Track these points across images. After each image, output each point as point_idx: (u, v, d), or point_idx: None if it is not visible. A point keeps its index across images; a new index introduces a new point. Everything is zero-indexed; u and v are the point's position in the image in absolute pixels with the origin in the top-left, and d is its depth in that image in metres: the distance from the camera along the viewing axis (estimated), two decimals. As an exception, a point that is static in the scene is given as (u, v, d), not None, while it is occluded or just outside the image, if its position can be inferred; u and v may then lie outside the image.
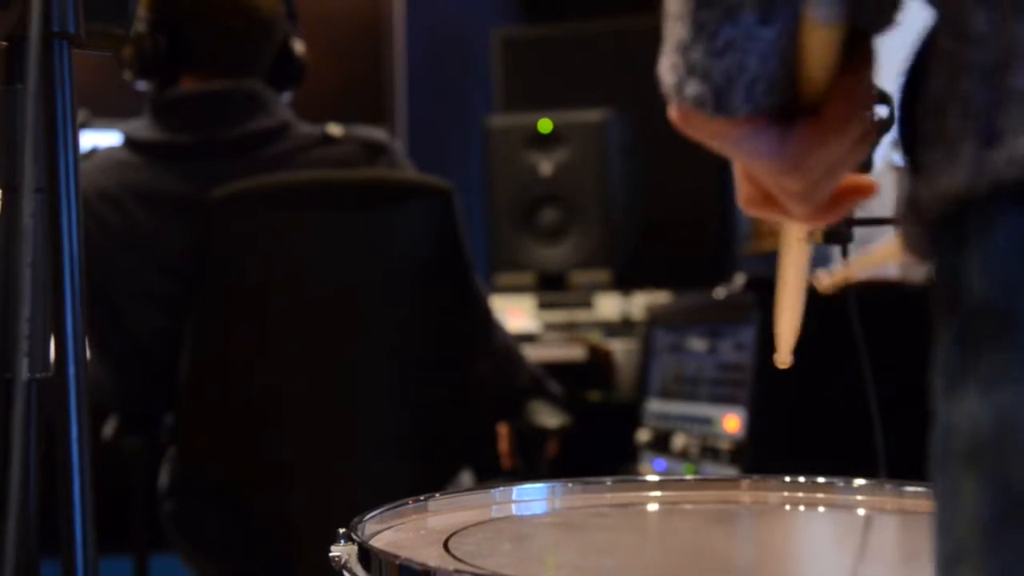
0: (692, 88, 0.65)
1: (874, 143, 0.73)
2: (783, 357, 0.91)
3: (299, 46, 2.04)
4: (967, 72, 0.54)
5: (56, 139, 0.89)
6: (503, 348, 2.11)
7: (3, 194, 0.89)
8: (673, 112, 0.68)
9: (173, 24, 1.93)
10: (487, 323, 2.07)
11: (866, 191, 0.74)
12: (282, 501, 1.89)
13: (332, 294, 1.89)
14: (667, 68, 0.67)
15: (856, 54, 0.68)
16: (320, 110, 2.22)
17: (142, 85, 1.99)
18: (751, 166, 0.71)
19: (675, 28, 0.65)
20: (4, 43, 0.90)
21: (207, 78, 1.95)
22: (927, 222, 0.57)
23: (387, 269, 1.92)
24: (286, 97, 2.05)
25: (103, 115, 2.40)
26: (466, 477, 2.10)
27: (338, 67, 3.87)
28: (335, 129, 1.98)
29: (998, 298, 0.52)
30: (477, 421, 2.09)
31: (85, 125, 2.12)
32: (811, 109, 0.68)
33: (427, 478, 1.93)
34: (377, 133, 2.04)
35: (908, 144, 0.62)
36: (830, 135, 0.68)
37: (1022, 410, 0.51)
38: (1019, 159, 0.51)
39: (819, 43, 0.66)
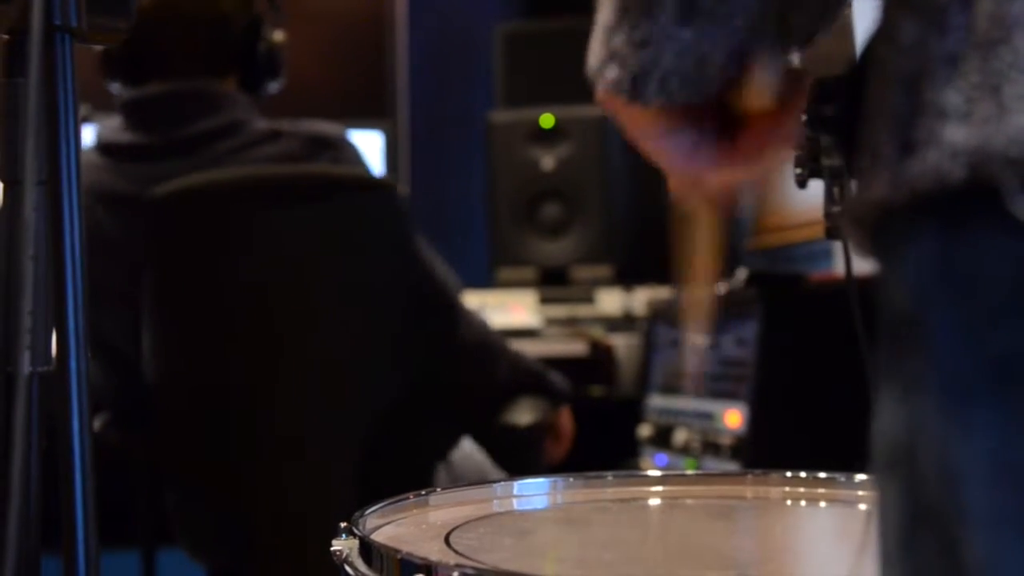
0: (611, 72, 0.68)
1: (783, 168, 0.74)
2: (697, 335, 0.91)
3: (278, 37, 1.99)
4: (893, 81, 0.54)
5: (58, 133, 0.89)
6: (474, 342, 2.04)
7: (4, 187, 0.89)
8: (598, 91, 0.70)
9: (134, 26, 1.92)
10: (452, 318, 2.00)
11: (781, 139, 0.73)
12: (271, 497, 1.88)
13: (273, 292, 1.86)
14: (593, 48, 0.69)
15: (792, 88, 0.69)
16: (322, 107, 2.21)
17: (115, 87, 1.99)
18: (662, 159, 0.73)
19: (604, 9, 0.68)
20: (6, 36, 0.90)
21: (167, 79, 1.95)
22: (861, 228, 0.58)
23: (320, 266, 1.87)
24: (273, 89, 2.03)
25: (105, 109, 2.40)
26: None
27: (340, 63, 3.87)
28: (285, 125, 1.95)
29: (911, 308, 0.53)
30: (449, 419, 2.03)
31: (87, 119, 2.12)
32: (732, 119, 0.69)
33: (400, 478, 1.87)
34: (328, 128, 1.99)
35: (847, 150, 0.62)
36: (740, 161, 0.70)
37: (928, 419, 0.51)
38: (930, 171, 0.51)
39: (757, 92, 0.68)
